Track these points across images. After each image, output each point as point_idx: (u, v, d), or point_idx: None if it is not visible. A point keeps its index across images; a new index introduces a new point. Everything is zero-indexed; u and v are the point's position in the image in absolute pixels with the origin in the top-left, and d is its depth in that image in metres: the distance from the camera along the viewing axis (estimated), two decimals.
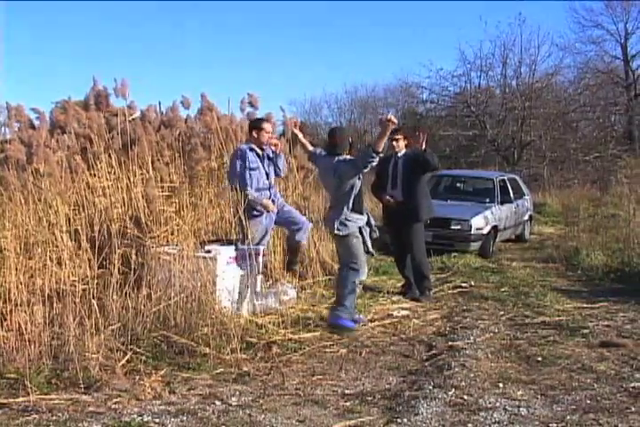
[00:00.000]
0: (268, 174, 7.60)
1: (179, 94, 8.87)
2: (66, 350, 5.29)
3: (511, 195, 13.54)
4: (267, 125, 7.66)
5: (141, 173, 7.87)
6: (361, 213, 6.87)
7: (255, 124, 7.67)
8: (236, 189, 7.30)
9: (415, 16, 58.72)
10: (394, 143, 8.47)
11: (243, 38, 61.36)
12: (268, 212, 7.50)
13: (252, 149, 7.48)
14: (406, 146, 8.59)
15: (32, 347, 5.23)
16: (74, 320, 5.36)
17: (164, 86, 42.50)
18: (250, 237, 7.02)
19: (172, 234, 7.43)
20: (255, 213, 7.41)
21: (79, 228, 6.85)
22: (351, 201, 6.79)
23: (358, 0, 56.56)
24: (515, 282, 9.52)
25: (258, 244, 7.26)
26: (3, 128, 8.22)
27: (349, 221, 6.79)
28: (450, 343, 6.41)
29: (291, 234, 7.86)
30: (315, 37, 60.76)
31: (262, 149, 7.58)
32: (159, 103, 9.18)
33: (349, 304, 6.83)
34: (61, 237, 6.75)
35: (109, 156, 7.77)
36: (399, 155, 8.54)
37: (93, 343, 5.38)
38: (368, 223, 6.95)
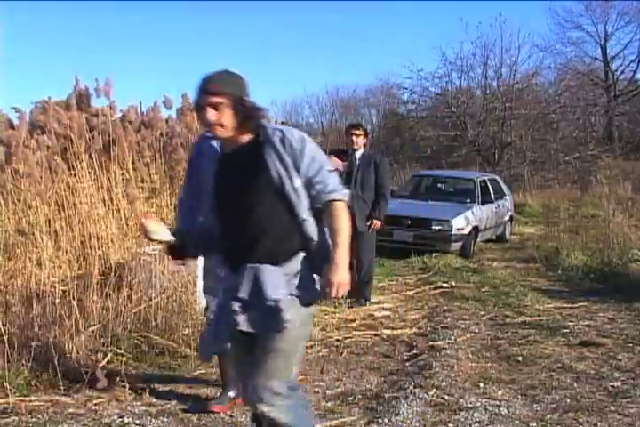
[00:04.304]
0: None
1: (164, 93, 8.88)
2: (45, 352, 5.25)
3: (492, 195, 13.59)
4: None
5: (122, 174, 7.83)
6: None
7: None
8: None
9: (396, 17, 58.98)
10: (353, 138, 7.70)
11: (229, 38, 61.38)
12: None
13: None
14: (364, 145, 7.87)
15: (11, 348, 5.18)
16: (53, 321, 5.32)
17: (145, 87, 42.26)
18: None
19: None
20: None
21: (59, 228, 6.82)
22: None
23: (340, 0, 56.64)
24: (495, 282, 9.56)
25: None
26: None
27: None
28: (431, 343, 6.43)
29: None
30: (296, 37, 60.83)
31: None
32: (140, 103, 9.15)
33: None
34: (41, 238, 6.72)
35: (90, 156, 7.73)
36: (357, 154, 7.77)
37: (73, 344, 5.36)
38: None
